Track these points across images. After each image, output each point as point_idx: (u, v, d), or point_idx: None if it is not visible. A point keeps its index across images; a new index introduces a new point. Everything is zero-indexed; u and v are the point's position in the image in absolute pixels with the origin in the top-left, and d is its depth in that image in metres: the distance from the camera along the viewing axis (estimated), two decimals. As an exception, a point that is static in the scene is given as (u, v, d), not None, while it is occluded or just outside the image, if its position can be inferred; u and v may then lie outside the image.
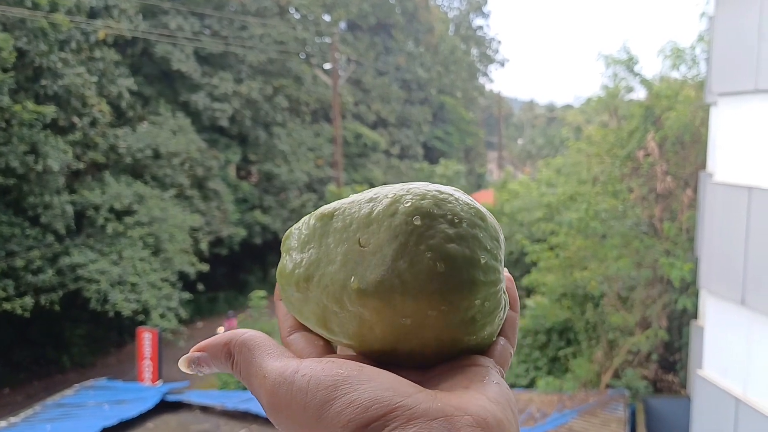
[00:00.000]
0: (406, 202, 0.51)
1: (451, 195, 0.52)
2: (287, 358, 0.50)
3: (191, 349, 0.55)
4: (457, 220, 0.50)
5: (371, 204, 0.52)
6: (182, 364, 0.54)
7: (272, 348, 0.52)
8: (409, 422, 0.42)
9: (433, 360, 0.52)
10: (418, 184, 0.53)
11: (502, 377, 0.52)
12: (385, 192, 0.53)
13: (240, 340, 0.53)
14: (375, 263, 0.50)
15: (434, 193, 0.52)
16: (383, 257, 0.50)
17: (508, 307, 0.56)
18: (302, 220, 0.60)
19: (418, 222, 0.50)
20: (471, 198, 0.54)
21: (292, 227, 0.61)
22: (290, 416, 0.46)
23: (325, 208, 0.56)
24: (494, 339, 0.55)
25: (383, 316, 0.50)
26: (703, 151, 12.51)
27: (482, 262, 0.50)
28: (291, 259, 0.57)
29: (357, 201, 0.54)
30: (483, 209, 0.53)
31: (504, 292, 0.54)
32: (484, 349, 0.54)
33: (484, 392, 0.46)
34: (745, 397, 8.84)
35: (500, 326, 0.55)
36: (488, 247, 0.51)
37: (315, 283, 0.54)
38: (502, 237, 0.54)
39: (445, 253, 0.49)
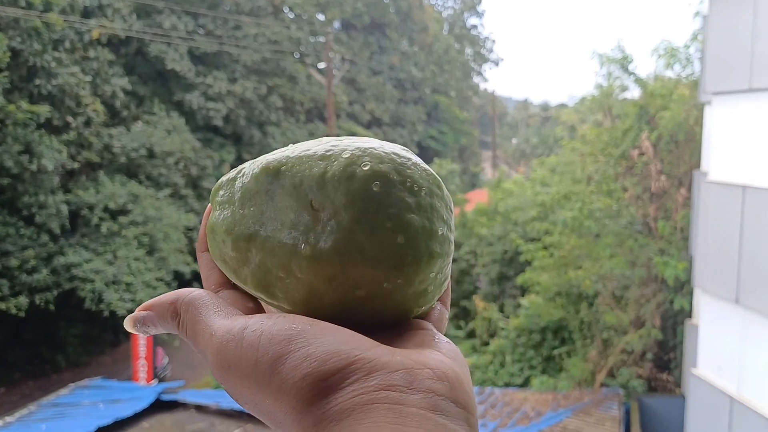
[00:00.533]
0: (364, 165, 0.48)
1: (409, 159, 0.50)
2: (235, 316, 0.48)
3: (137, 309, 0.53)
4: (416, 188, 0.48)
5: (324, 163, 0.49)
6: (127, 324, 0.53)
7: (220, 307, 0.50)
8: (370, 374, 0.41)
9: (378, 328, 0.50)
10: (372, 143, 0.50)
11: None
12: (339, 150, 0.49)
13: (187, 299, 0.51)
14: (330, 229, 0.47)
15: (392, 156, 0.49)
16: (339, 223, 0.47)
17: None
18: (239, 170, 0.55)
19: (377, 188, 0.47)
20: (425, 163, 0.51)
21: (225, 177, 0.56)
22: (240, 374, 0.44)
23: (270, 162, 0.52)
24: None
25: (335, 286, 0.47)
26: (697, 150, 12.54)
27: (439, 233, 0.49)
28: (229, 214, 0.53)
29: (306, 156, 0.50)
30: (438, 176, 0.51)
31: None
32: (424, 315, 0.53)
33: (438, 350, 0.46)
34: (739, 396, 8.87)
35: None
36: (444, 218, 0.50)
37: (258, 244, 0.50)
38: (452, 204, 0.53)
39: (405, 224, 0.47)
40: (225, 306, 0.50)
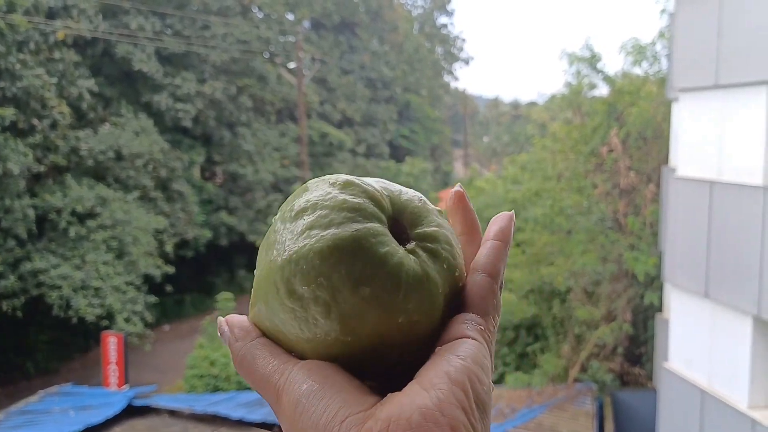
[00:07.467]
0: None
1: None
2: (285, 361, 0.50)
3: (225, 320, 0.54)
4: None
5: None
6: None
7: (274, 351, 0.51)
8: None
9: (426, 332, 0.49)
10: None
11: (485, 330, 0.49)
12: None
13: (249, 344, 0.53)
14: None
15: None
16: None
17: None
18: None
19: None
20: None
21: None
22: (283, 425, 0.49)
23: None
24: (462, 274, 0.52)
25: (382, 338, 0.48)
26: (665, 147, 12.67)
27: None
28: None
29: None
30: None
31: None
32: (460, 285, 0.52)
33: (432, 377, 0.45)
34: (710, 388, 8.98)
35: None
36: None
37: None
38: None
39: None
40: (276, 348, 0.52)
